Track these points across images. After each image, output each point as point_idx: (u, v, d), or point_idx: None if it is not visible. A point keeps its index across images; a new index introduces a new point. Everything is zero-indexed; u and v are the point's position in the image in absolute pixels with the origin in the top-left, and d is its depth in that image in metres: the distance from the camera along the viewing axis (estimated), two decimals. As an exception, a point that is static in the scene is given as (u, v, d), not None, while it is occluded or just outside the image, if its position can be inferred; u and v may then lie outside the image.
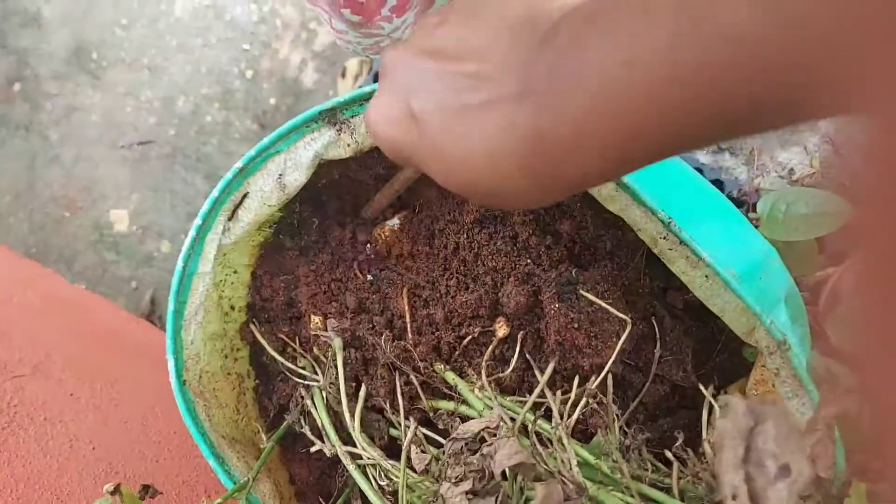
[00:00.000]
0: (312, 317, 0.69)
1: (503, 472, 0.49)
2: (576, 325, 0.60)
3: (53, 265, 1.36)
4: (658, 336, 0.63)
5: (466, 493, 0.48)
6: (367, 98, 0.59)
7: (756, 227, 0.79)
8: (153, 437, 0.85)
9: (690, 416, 0.66)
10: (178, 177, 1.34)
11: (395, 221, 0.71)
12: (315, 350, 0.69)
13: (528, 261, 0.65)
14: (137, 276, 1.35)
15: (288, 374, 0.69)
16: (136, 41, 1.35)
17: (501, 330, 0.62)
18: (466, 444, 0.51)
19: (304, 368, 0.68)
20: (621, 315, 0.58)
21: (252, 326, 0.72)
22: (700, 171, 1.09)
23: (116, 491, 0.57)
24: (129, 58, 1.35)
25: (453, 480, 0.49)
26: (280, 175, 0.63)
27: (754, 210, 0.98)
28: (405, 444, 0.55)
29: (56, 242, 1.37)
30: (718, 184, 1.11)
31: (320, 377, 0.65)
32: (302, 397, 0.68)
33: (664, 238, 0.55)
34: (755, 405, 0.34)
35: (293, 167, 0.63)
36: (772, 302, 0.60)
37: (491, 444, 0.49)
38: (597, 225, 0.65)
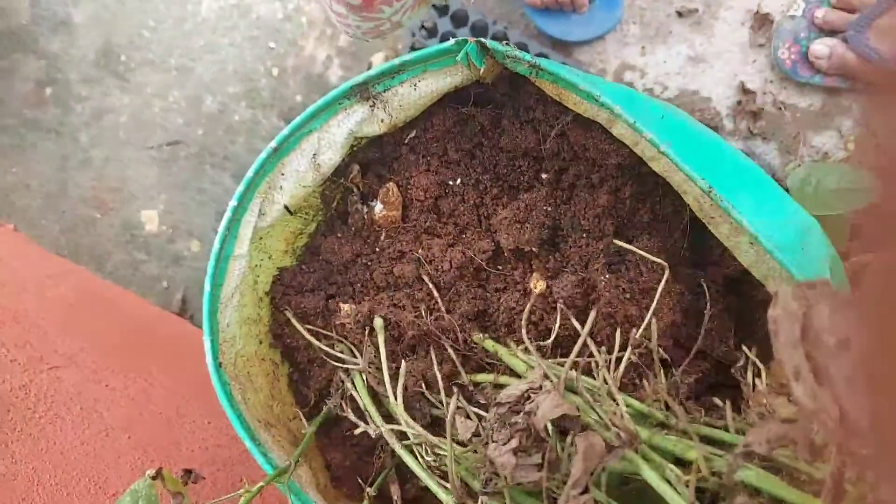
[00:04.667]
0: (342, 305, 0.69)
1: (547, 427, 0.48)
2: (628, 296, 0.59)
3: (85, 265, 1.37)
4: (702, 306, 0.61)
5: (514, 450, 0.47)
6: (397, 71, 0.59)
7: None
8: (188, 426, 0.85)
9: (733, 395, 0.64)
10: (206, 176, 1.34)
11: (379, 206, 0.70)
12: (346, 338, 0.68)
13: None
14: (168, 275, 1.35)
15: (326, 358, 0.68)
16: (163, 42, 1.36)
17: (538, 285, 0.62)
18: (510, 407, 0.50)
19: (341, 352, 0.68)
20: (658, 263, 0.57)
21: (287, 313, 0.71)
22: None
23: (158, 475, 0.56)
24: (157, 59, 1.36)
25: (501, 442, 0.48)
26: (314, 154, 0.63)
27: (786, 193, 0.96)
28: (449, 414, 0.54)
29: (87, 243, 1.39)
30: (751, 169, 1.09)
31: (359, 360, 0.65)
32: (342, 382, 0.68)
33: (708, 203, 0.54)
34: (803, 289, 0.33)
35: (327, 146, 0.63)
36: (814, 272, 0.58)
37: (533, 401, 0.48)
38: (634, 199, 0.64)
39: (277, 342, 0.73)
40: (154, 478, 0.55)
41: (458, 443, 0.56)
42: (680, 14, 1.13)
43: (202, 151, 1.34)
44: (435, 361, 0.62)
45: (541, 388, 0.51)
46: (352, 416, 0.65)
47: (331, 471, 0.73)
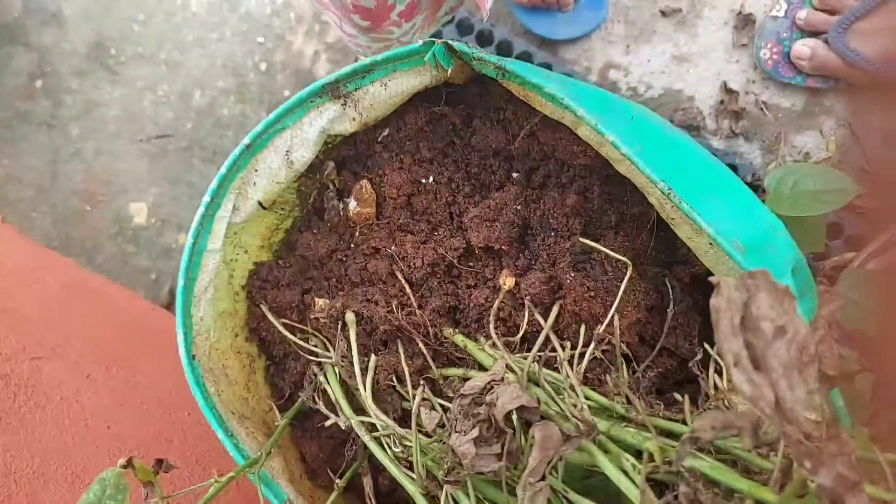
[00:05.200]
0: (316, 300, 0.70)
1: (507, 418, 0.49)
2: (592, 294, 0.60)
3: (76, 257, 1.38)
4: (669, 304, 0.63)
5: (474, 440, 0.49)
6: (367, 70, 0.60)
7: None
8: (168, 418, 0.86)
9: (697, 391, 0.66)
10: (195, 169, 1.35)
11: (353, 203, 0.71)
12: (321, 332, 0.70)
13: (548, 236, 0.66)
14: (156, 267, 1.37)
15: (300, 352, 0.69)
16: (153, 36, 1.37)
17: (507, 282, 0.63)
18: (473, 399, 0.51)
19: (315, 346, 0.69)
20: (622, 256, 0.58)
21: (262, 307, 0.72)
22: (714, 156, 1.09)
23: (129, 464, 0.57)
24: (147, 53, 1.37)
25: (463, 433, 0.49)
26: (287, 151, 0.64)
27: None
28: (414, 406, 0.56)
29: (78, 235, 1.40)
30: (732, 168, 1.10)
31: (332, 354, 0.66)
32: (315, 375, 0.69)
33: (669, 205, 0.55)
34: (746, 280, 0.34)
35: (300, 143, 0.64)
36: (778, 274, 0.59)
37: (493, 392, 0.50)
38: (601, 199, 0.65)
39: (254, 336, 0.74)
40: (125, 467, 0.56)
41: (424, 434, 0.58)
42: (664, 13, 1.14)
43: (192, 145, 1.35)
44: (403, 355, 0.63)
45: (503, 379, 0.53)
46: (323, 409, 0.66)
47: (306, 463, 0.74)
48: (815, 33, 1.05)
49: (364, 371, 0.64)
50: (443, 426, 0.58)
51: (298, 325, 0.71)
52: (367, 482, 0.68)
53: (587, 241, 0.62)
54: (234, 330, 0.72)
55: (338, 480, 0.64)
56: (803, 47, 1.03)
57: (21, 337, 0.83)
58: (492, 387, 0.53)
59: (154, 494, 0.56)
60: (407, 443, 0.59)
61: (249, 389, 0.72)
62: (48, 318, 0.91)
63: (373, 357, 0.63)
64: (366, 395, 0.62)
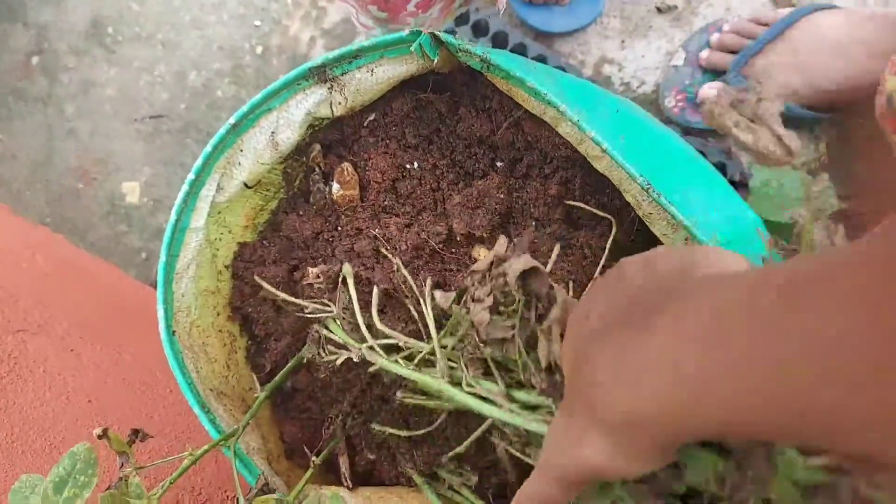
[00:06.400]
0: (310, 269, 0.70)
1: (521, 286, 0.48)
2: (573, 278, 0.61)
3: (68, 235, 1.39)
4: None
5: (489, 308, 0.48)
6: (354, 56, 0.60)
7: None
8: (150, 395, 0.87)
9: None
10: (188, 151, 1.36)
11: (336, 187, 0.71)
12: (314, 297, 0.70)
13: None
14: (148, 247, 1.37)
15: (297, 312, 0.68)
16: (151, 17, 1.37)
17: (481, 254, 0.63)
18: (483, 274, 0.51)
19: (310, 314, 0.69)
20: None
21: (256, 277, 0.72)
22: (703, 153, 1.09)
23: (104, 434, 0.58)
24: (144, 33, 1.37)
25: (479, 301, 0.49)
26: (272, 133, 0.65)
27: (755, 193, 0.98)
28: (427, 289, 0.55)
29: (71, 214, 1.40)
30: (721, 166, 1.10)
31: (333, 308, 0.65)
32: (317, 332, 0.68)
33: (646, 201, 0.55)
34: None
35: (285, 125, 0.64)
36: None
37: (505, 262, 0.49)
38: (583, 190, 0.66)
39: (236, 314, 0.75)
40: (100, 437, 0.57)
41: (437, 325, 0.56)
42: (660, 10, 1.15)
43: (186, 126, 1.36)
44: (405, 270, 0.64)
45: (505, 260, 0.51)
46: (326, 357, 0.64)
47: (286, 443, 0.75)
48: (718, 72, 1.05)
49: (367, 305, 0.63)
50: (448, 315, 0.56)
51: (289, 298, 0.72)
52: (344, 462, 0.69)
53: (574, 202, 0.62)
54: (216, 308, 0.72)
55: (314, 458, 0.65)
56: (710, 90, 1.02)
57: (7, 313, 0.83)
58: (499, 263, 0.52)
59: (129, 464, 0.57)
60: (422, 348, 0.57)
61: (229, 368, 0.73)
62: (35, 295, 0.91)
63: (375, 289, 0.63)
64: (374, 315, 0.61)
